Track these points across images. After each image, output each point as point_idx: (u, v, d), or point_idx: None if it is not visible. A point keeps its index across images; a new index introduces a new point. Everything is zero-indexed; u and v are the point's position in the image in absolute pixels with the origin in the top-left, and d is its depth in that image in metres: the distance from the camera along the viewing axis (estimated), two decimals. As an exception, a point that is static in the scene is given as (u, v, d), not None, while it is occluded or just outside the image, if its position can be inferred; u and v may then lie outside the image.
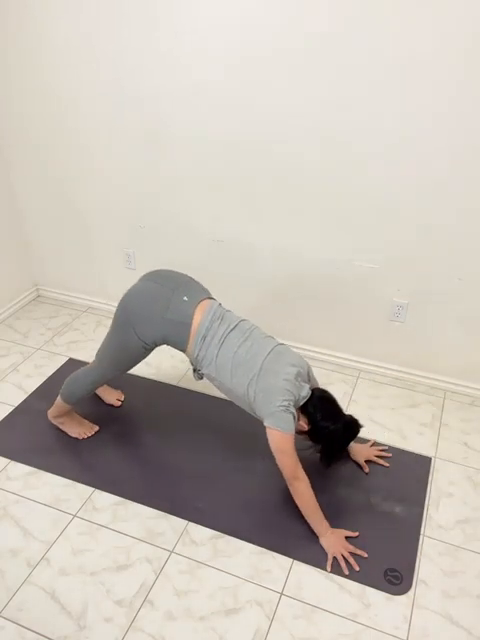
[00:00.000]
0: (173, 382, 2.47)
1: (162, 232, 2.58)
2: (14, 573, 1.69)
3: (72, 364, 2.56)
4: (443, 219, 2.07)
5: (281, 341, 2.66)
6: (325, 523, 1.76)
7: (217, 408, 2.30)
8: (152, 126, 2.30)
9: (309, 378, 1.86)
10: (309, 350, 2.64)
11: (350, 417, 1.83)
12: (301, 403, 1.76)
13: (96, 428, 2.17)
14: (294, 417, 1.70)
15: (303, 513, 1.76)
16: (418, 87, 1.86)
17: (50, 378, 2.48)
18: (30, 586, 1.65)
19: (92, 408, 2.27)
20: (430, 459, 2.11)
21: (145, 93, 2.23)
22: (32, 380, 2.47)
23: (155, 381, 2.47)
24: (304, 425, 1.78)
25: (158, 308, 1.78)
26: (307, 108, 2.03)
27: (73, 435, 2.13)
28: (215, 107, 2.15)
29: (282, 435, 1.68)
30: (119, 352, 1.89)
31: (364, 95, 1.93)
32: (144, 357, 1.90)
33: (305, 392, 1.76)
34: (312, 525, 1.76)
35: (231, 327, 1.80)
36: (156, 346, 1.86)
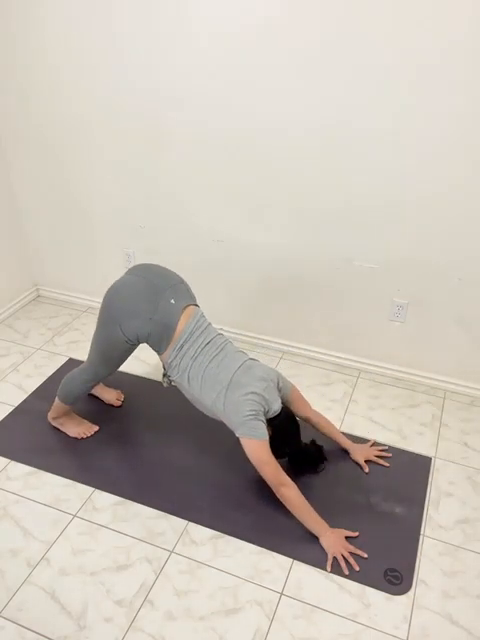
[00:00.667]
0: (173, 382, 2.47)
1: (162, 232, 2.58)
2: (14, 573, 1.69)
3: (72, 364, 2.56)
4: (443, 219, 2.07)
5: (280, 340, 2.67)
6: (322, 523, 1.76)
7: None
8: (152, 126, 2.30)
9: (280, 388, 1.87)
10: (309, 350, 2.64)
11: (307, 446, 1.94)
12: (272, 415, 1.79)
13: (95, 428, 2.17)
14: (265, 424, 1.73)
15: (298, 518, 1.76)
16: (418, 87, 1.86)
17: (50, 378, 2.48)
18: (30, 586, 1.65)
19: (91, 408, 2.27)
20: (430, 459, 2.11)
21: (145, 93, 2.23)
22: (32, 380, 2.47)
23: (154, 381, 2.47)
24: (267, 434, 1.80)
25: (146, 307, 1.79)
26: (307, 108, 2.03)
27: (72, 435, 2.13)
28: (215, 107, 2.15)
29: (256, 443, 1.71)
30: (106, 348, 1.90)
31: (364, 95, 1.93)
32: (130, 353, 1.91)
33: (276, 407, 1.79)
34: (309, 527, 1.76)
35: (207, 341, 1.82)
36: (139, 343, 1.86)
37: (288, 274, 2.45)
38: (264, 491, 1.83)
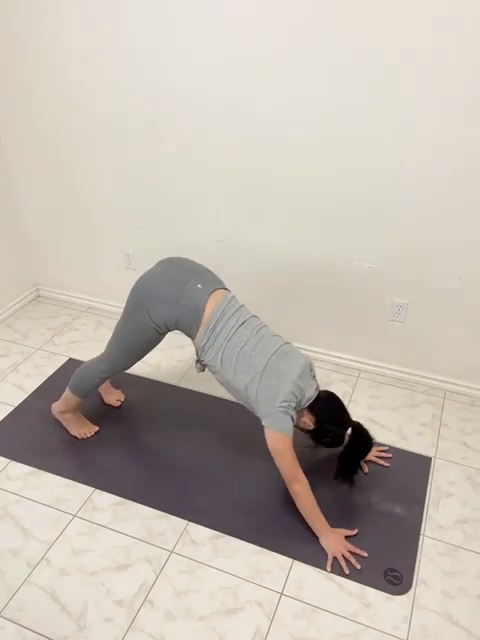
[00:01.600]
0: (173, 382, 2.47)
1: (162, 232, 2.58)
2: (14, 573, 1.69)
3: (72, 364, 2.56)
4: (443, 219, 2.07)
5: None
6: (325, 523, 1.76)
7: (217, 408, 2.30)
8: (152, 126, 2.30)
9: (313, 376, 1.86)
10: (309, 350, 2.63)
11: (358, 425, 1.84)
12: (306, 404, 1.76)
13: (96, 428, 2.17)
14: (293, 420, 1.70)
15: (303, 514, 1.76)
16: (418, 87, 1.86)
17: (50, 378, 2.48)
18: (30, 586, 1.65)
19: (91, 407, 2.27)
20: (430, 459, 2.11)
21: (145, 93, 2.23)
22: (32, 380, 2.47)
23: (155, 381, 2.47)
24: (309, 423, 1.78)
25: (172, 291, 1.79)
26: (307, 108, 2.03)
27: (73, 434, 2.13)
28: (215, 107, 2.15)
29: (279, 436, 1.69)
30: (132, 337, 1.89)
31: (364, 95, 1.93)
32: (156, 343, 1.90)
33: (311, 393, 1.76)
34: (312, 526, 1.76)
35: (241, 321, 1.80)
36: (168, 331, 1.85)
37: (288, 274, 2.45)
38: (264, 491, 1.83)
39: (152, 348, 1.93)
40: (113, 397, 2.33)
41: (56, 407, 2.15)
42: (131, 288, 1.88)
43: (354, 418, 2.27)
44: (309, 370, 1.82)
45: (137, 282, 1.88)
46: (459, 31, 1.74)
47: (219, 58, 2.05)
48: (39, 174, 2.67)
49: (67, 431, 2.15)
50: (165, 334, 1.88)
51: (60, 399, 2.13)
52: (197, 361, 1.89)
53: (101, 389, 2.32)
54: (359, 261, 2.29)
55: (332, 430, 1.79)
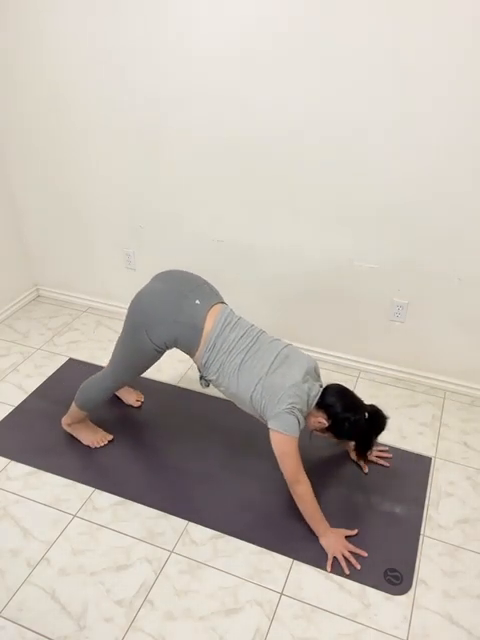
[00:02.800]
0: (173, 382, 2.47)
1: (162, 232, 2.58)
2: (14, 573, 1.69)
3: (72, 364, 2.56)
4: (443, 219, 2.07)
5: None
6: (325, 524, 1.76)
7: (217, 408, 2.30)
8: (152, 126, 2.30)
9: (318, 376, 1.85)
10: (309, 350, 2.63)
11: (372, 406, 1.80)
12: (313, 403, 1.74)
13: (110, 437, 2.14)
14: (299, 421, 1.68)
15: (304, 515, 1.76)
16: (418, 87, 1.86)
17: (50, 378, 2.48)
18: (30, 586, 1.65)
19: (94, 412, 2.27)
20: (430, 459, 2.11)
21: (144, 93, 2.23)
22: (32, 380, 2.47)
23: (155, 381, 2.47)
24: (323, 421, 1.75)
25: (170, 310, 1.77)
26: (307, 108, 2.03)
27: (86, 443, 2.11)
28: (215, 107, 2.15)
29: (285, 437, 1.67)
30: (132, 355, 1.88)
31: (364, 95, 1.93)
32: (157, 359, 1.89)
33: (315, 391, 1.75)
34: (312, 526, 1.76)
35: (241, 334, 1.79)
36: (167, 349, 1.84)
37: (288, 274, 2.45)
38: (264, 491, 1.83)
39: (153, 364, 1.92)
40: (132, 397, 2.33)
41: (64, 421, 2.14)
42: (130, 304, 1.84)
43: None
44: (314, 371, 1.81)
45: (135, 300, 1.84)
46: (460, 31, 1.74)
47: (219, 58, 2.05)
48: (39, 174, 2.67)
49: (80, 442, 2.12)
50: (164, 352, 1.86)
51: (67, 413, 2.12)
52: (201, 377, 1.88)
53: (118, 392, 2.31)
54: (359, 261, 2.29)
55: (347, 418, 1.72)
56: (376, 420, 1.78)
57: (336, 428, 1.76)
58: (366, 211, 2.16)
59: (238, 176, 2.29)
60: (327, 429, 1.77)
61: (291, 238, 2.35)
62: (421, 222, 2.11)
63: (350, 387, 2.43)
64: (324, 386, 1.80)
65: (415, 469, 2.06)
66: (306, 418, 1.74)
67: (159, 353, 1.84)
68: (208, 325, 1.77)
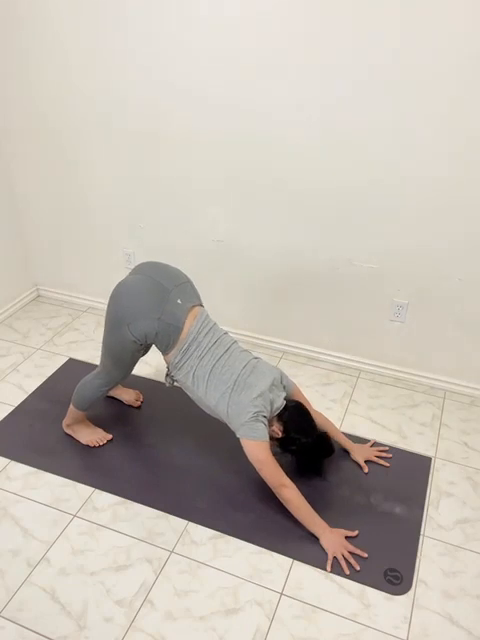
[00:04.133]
0: (173, 382, 2.47)
1: (162, 232, 2.58)
2: (14, 573, 1.69)
3: (72, 364, 2.56)
4: (443, 219, 2.07)
5: (280, 340, 2.67)
6: (322, 523, 1.76)
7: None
8: (152, 126, 2.30)
9: (284, 386, 1.88)
10: (309, 350, 2.64)
11: (323, 434, 1.89)
12: (275, 413, 1.80)
13: (109, 437, 2.14)
14: (265, 426, 1.73)
15: (298, 518, 1.77)
16: (418, 87, 1.86)
17: (50, 378, 2.48)
18: (30, 586, 1.65)
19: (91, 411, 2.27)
20: (430, 459, 2.11)
21: (145, 93, 2.23)
22: (32, 380, 2.47)
23: (155, 381, 2.47)
24: (278, 432, 1.81)
25: (153, 306, 1.77)
26: (307, 108, 2.03)
27: (85, 443, 2.11)
28: (215, 107, 2.15)
29: (256, 444, 1.71)
30: (116, 350, 1.88)
31: (364, 95, 1.93)
32: (141, 353, 1.91)
33: (279, 403, 1.80)
34: (309, 528, 1.76)
35: (214, 340, 1.82)
36: (146, 344, 1.84)
37: (288, 274, 2.45)
38: (264, 491, 1.83)
39: (139, 356, 1.93)
40: (132, 397, 2.33)
41: (64, 422, 2.15)
42: (110, 297, 1.83)
43: (354, 418, 2.28)
44: (280, 381, 1.86)
45: (115, 293, 1.83)
46: (459, 31, 1.74)
47: (219, 58, 2.05)
48: (39, 174, 2.67)
49: (79, 441, 2.12)
50: (144, 346, 1.86)
51: (67, 414, 2.12)
52: (167, 375, 1.91)
53: (116, 391, 2.31)
54: (359, 261, 2.29)
55: (298, 439, 1.81)
56: (322, 446, 1.89)
57: (285, 443, 1.82)
58: (366, 211, 2.16)
59: (238, 176, 2.29)
60: (277, 439, 1.82)
61: (291, 238, 2.35)
62: (421, 222, 2.11)
63: (350, 387, 2.46)
64: (287, 400, 1.84)
65: (415, 469, 2.06)
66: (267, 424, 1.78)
67: (140, 346, 1.84)
68: (186, 327, 1.79)
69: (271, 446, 1.77)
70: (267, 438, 1.73)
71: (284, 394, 1.85)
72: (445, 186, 2.01)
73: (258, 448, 1.72)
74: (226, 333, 1.90)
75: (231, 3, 1.94)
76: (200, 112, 2.19)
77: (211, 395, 1.79)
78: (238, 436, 1.74)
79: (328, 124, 2.03)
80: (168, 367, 1.89)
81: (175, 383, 1.92)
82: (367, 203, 2.15)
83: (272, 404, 1.78)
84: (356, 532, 1.79)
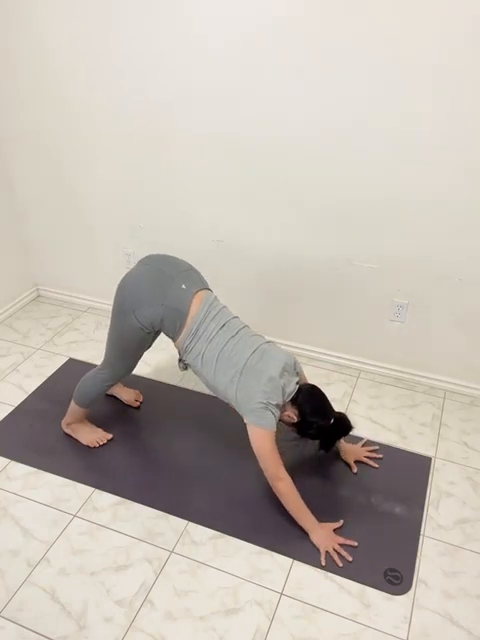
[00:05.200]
0: (173, 382, 2.47)
1: (162, 232, 2.58)
2: (14, 573, 1.69)
3: (72, 364, 2.56)
4: (443, 219, 2.07)
5: (280, 341, 2.67)
6: (312, 519, 1.77)
7: (217, 408, 2.28)
8: (152, 126, 2.30)
9: (297, 373, 1.86)
10: (309, 350, 2.64)
11: (340, 414, 1.85)
12: (288, 398, 1.76)
13: (109, 436, 2.14)
14: (275, 415, 1.71)
15: (290, 512, 1.77)
16: (418, 87, 1.86)
17: (50, 378, 2.48)
18: (30, 586, 1.65)
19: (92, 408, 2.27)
20: (430, 459, 2.11)
21: (145, 94, 2.23)
22: (32, 380, 2.47)
23: (155, 381, 2.47)
24: (293, 416, 1.78)
25: (157, 293, 1.78)
26: (307, 109, 2.03)
27: (85, 443, 2.11)
28: (215, 107, 2.15)
29: (262, 432, 1.70)
30: (122, 340, 1.88)
31: (365, 95, 1.93)
32: (147, 343, 1.91)
33: (291, 387, 1.77)
34: (300, 523, 1.77)
35: (222, 323, 1.81)
36: (154, 331, 1.84)
37: (288, 274, 2.45)
38: (264, 491, 1.83)
39: (145, 348, 1.93)
40: (131, 396, 2.32)
41: (64, 421, 2.15)
42: (117, 288, 1.86)
43: (354, 418, 2.28)
44: (292, 367, 1.82)
45: (121, 283, 1.86)
46: (462, 31, 1.74)
47: (219, 58, 2.05)
48: (39, 174, 2.67)
49: (79, 441, 2.12)
50: (153, 334, 1.87)
51: (67, 413, 2.12)
52: (180, 360, 1.90)
53: (116, 390, 2.31)
54: (359, 261, 2.29)
55: (315, 422, 1.78)
56: (341, 426, 1.84)
57: (302, 427, 1.80)
58: (366, 211, 2.16)
59: (238, 176, 2.29)
60: (294, 424, 1.81)
61: (291, 238, 2.35)
62: (421, 222, 2.11)
63: (350, 387, 2.46)
64: (300, 384, 1.82)
65: (415, 469, 2.06)
66: (280, 411, 1.76)
67: (147, 333, 1.84)
68: (193, 310, 1.79)
69: (289, 431, 1.76)
70: (274, 428, 1.70)
71: (297, 379, 1.81)
72: (445, 186, 2.01)
73: (263, 437, 1.70)
74: (236, 317, 1.87)
75: (231, 3, 1.94)
76: (200, 112, 2.19)
77: (220, 379, 1.77)
78: (245, 421, 1.72)
79: (328, 124, 2.03)
80: (179, 352, 1.88)
81: (188, 367, 1.89)
82: (367, 203, 2.15)
83: (284, 390, 1.74)
84: (341, 522, 1.80)
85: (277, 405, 1.72)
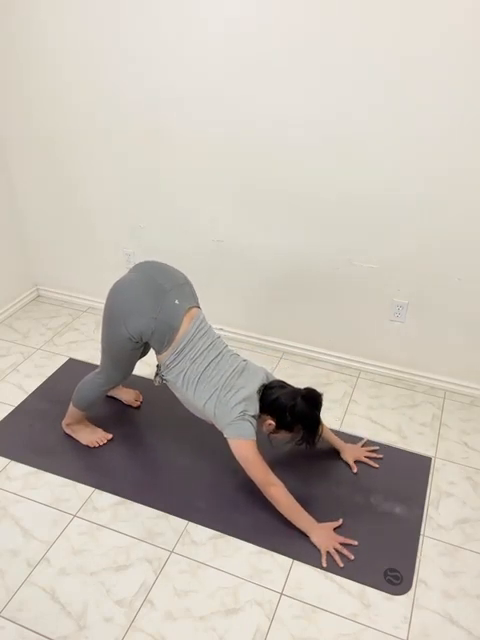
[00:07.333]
0: (173, 382, 2.47)
1: (162, 232, 2.58)
2: (14, 573, 1.69)
3: (72, 364, 2.56)
4: (443, 219, 2.07)
5: (280, 341, 2.67)
6: (310, 520, 1.77)
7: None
8: (152, 127, 2.30)
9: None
10: (309, 350, 2.64)
11: (305, 389, 1.78)
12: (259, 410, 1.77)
13: (109, 436, 2.14)
14: (253, 425, 1.72)
15: (286, 516, 1.77)
16: (418, 88, 1.86)
17: (50, 378, 2.48)
18: (30, 586, 1.65)
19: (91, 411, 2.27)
20: (430, 459, 2.11)
21: (145, 94, 2.23)
22: (32, 380, 2.47)
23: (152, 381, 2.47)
24: (271, 422, 1.76)
25: (152, 304, 1.76)
26: (307, 109, 2.03)
27: (85, 443, 2.11)
28: (215, 107, 2.15)
29: (243, 442, 1.71)
30: (114, 350, 1.87)
31: (364, 96, 1.93)
32: (138, 353, 1.90)
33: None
34: (298, 525, 1.77)
35: (207, 344, 1.81)
36: (142, 342, 1.83)
37: (288, 274, 2.45)
38: (264, 491, 1.83)
39: (136, 358, 1.93)
40: (131, 397, 2.32)
41: (64, 422, 2.15)
42: (108, 295, 1.83)
43: (354, 418, 2.28)
44: (265, 379, 1.83)
45: (113, 291, 1.83)
46: (464, 35, 1.74)
47: (219, 60, 2.05)
48: (39, 174, 2.67)
49: (79, 441, 2.12)
50: (141, 345, 1.84)
51: (67, 413, 2.12)
52: (157, 374, 1.89)
53: (115, 391, 2.31)
54: (359, 261, 2.29)
55: (285, 405, 1.72)
56: (311, 398, 1.75)
57: (281, 421, 1.75)
58: (366, 211, 2.16)
59: (238, 176, 2.29)
60: (277, 427, 1.78)
61: (291, 238, 2.35)
62: (421, 222, 2.11)
63: (350, 387, 2.46)
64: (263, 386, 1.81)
65: (415, 469, 2.06)
66: (259, 424, 1.77)
67: (136, 345, 1.82)
68: (183, 328, 1.78)
69: (282, 437, 1.77)
70: (254, 437, 1.72)
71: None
72: (445, 186, 2.01)
73: (245, 447, 1.71)
74: (219, 337, 1.89)
75: (230, 4, 1.94)
76: (200, 112, 2.19)
77: (199, 397, 1.78)
78: (225, 436, 1.74)
79: (328, 124, 2.03)
80: (159, 366, 1.88)
81: (164, 382, 1.89)
82: (367, 203, 2.15)
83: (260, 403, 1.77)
84: (340, 521, 1.80)
85: (254, 416, 1.74)
